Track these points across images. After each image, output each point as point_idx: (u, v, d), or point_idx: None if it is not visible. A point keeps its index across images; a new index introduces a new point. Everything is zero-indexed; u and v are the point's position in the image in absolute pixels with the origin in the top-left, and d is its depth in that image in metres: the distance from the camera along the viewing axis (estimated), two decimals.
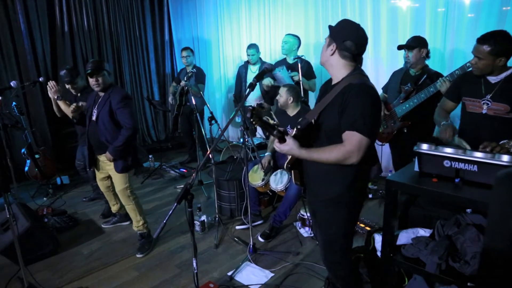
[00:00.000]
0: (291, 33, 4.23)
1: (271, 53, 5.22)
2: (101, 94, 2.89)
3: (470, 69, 2.30)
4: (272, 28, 5.13)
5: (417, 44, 2.89)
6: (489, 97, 2.15)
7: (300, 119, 1.86)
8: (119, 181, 2.98)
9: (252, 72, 4.58)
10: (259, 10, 5.24)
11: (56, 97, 3.23)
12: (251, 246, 2.91)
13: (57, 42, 5.12)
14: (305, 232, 3.25)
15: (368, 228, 3.02)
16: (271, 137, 3.33)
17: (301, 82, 3.88)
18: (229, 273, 2.70)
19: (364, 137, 1.59)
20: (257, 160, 3.44)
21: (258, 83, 2.78)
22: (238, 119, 5.08)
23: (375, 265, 2.29)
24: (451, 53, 3.56)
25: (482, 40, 2.07)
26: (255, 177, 3.30)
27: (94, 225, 3.59)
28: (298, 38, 4.18)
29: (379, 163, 1.86)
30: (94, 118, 2.89)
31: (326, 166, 1.70)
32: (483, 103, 2.18)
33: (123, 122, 2.83)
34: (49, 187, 4.34)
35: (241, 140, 3.27)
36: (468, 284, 1.68)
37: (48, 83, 3.22)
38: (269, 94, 4.35)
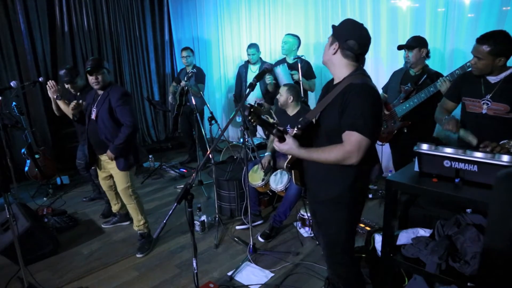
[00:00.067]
0: (290, 33, 4.23)
1: (271, 53, 5.22)
2: (100, 92, 2.88)
3: (470, 69, 2.30)
4: (272, 28, 5.13)
5: (417, 44, 2.89)
6: (489, 97, 2.16)
7: (300, 119, 1.85)
8: (121, 180, 2.98)
9: (252, 71, 4.58)
10: (259, 10, 5.24)
11: (55, 96, 3.24)
12: (251, 246, 2.91)
13: (57, 42, 5.12)
14: (305, 232, 3.25)
15: (368, 228, 3.02)
16: (271, 137, 3.33)
17: (301, 82, 3.88)
18: (229, 273, 2.70)
19: (364, 138, 1.57)
20: (257, 160, 3.44)
21: (258, 83, 2.78)
22: (238, 119, 5.09)
23: (375, 265, 2.29)
24: (451, 53, 3.56)
25: (481, 40, 2.07)
26: (255, 177, 3.30)
27: (94, 225, 3.59)
28: (298, 38, 4.18)
29: (380, 164, 1.84)
30: (93, 116, 2.89)
31: (326, 166, 1.69)
32: (483, 103, 2.18)
33: (123, 119, 2.82)
34: (49, 187, 4.34)
35: (241, 140, 3.27)
36: (468, 284, 1.68)
37: (48, 82, 3.23)
38: (270, 94, 4.35)
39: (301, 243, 3.08)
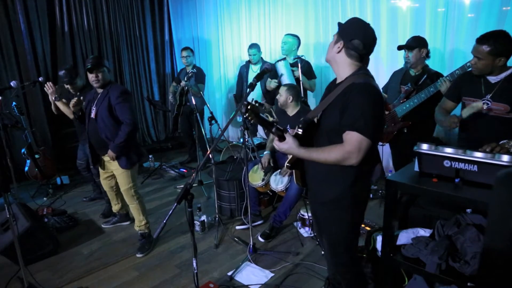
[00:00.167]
0: (290, 33, 4.22)
1: (271, 53, 5.22)
2: (100, 91, 2.88)
3: (470, 69, 2.30)
4: (272, 28, 5.13)
5: (417, 44, 2.89)
6: (489, 97, 2.16)
7: (302, 118, 1.82)
8: (123, 180, 2.97)
9: (254, 71, 4.59)
10: (259, 10, 5.24)
11: (54, 98, 3.22)
12: (251, 246, 2.91)
13: (57, 42, 5.12)
14: (305, 232, 3.25)
15: (368, 228, 3.02)
16: (271, 136, 3.33)
17: (301, 82, 3.88)
18: (229, 273, 2.70)
19: (364, 138, 1.54)
20: (257, 160, 3.44)
21: (258, 83, 2.78)
22: (238, 119, 5.09)
23: (375, 265, 2.29)
24: (451, 53, 3.56)
25: (481, 40, 2.07)
26: (255, 177, 3.30)
27: (94, 225, 3.59)
28: (298, 38, 4.18)
29: (381, 165, 1.82)
30: (93, 115, 2.88)
31: (327, 166, 1.67)
32: (483, 103, 2.18)
33: (123, 117, 2.81)
34: (49, 187, 4.34)
35: (241, 140, 3.27)
36: (468, 284, 1.68)
37: (45, 85, 3.21)
38: (270, 94, 4.35)
39: (301, 243, 3.08)
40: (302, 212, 3.28)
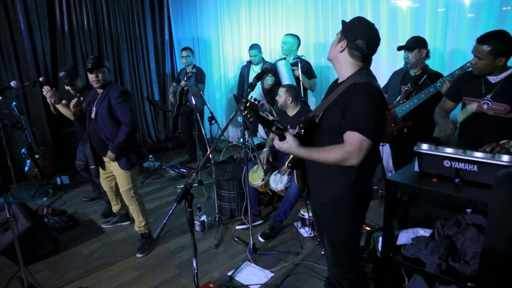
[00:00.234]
0: (290, 33, 4.22)
1: (271, 53, 5.22)
2: (100, 91, 2.88)
3: (470, 69, 2.30)
4: (272, 28, 5.13)
5: (416, 44, 2.88)
6: (489, 97, 2.16)
7: (303, 118, 1.81)
8: (123, 181, 2.97)
9: (255, 72, 4.58)
10: (259, 10, 5.24)
11: (53, 101, 3.21)
12: (251, 246, 2.91)
13: (57, 42, 5.12)
14: (305, 232, 3.25)
15: (368, 228, 3.01)
16: (271, 135, 3.33)
17: (301, 81, 3.88)
18: (229, 273, 2.70)
19: (365, 138, 1.53)
20: (257, 160, 3.44)
21: (259, 83, 2.77)
22: (239, 119, 5.09)
23: (375, 265, 2.29)
24: (451, 53, 3.56)
25: (482, 40, 2.07)
26: (255, 177, 3.30)
27: (94, 225, 3.59)
28: (298, 38, 4.18)
29: (382, 166, 1.80)
30: (93, 115, 2.87)
31: (327, 166, 1.66)
32: (483, 103, 2.18)
33: (122, 117, 2.80)
34: (49, 187, 4.34)
35: (241, 140, 3.27)
36: (468, 284, 1.68)
37: (43, 89, 3.19)
38: (271, 95, 4.35)
39: (301, 243, 3.07)
40: (302, 212, 3.28)
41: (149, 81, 6.34)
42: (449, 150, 1.74)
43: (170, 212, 1.55)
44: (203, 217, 3.35)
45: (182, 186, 4.08)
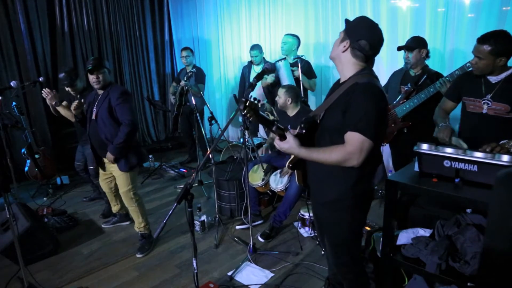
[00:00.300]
0: (290, 33, 4.22)
1: (271, 53, 5.21)
2: (100, 92, 2.88)
3: (470, 69, 2.30)
4: (272, 28, 5.13)
5: (416, 45, 2.88)
6: (489, 97, 2.16)
7: (305, 118, 1.80)
8: (122, 182, 2.96)
9: (256, 72, 4.58)
10: (259, 10, 5.24)
11: (53, 103, 3.20)
12: (251, 246, 2.91)
13: (57, 42, 5.12)
14: (305, 232, 3.25)
15: (368, 228, 3.01)
16: (271, 134, 3.33)
17: (301, 81, 3.88)
18: (229, 273, 2.70)
19: (366, 139, 1.52)
20: (257, 160, 3.44)
21: (258, 83, 2.78)
22: (239, 119, 5.09)
23: (375, 265, 2.29)
24: (451, 53, 3.56)
25: (482, 40, 2.06)
26: (255, 177, 3.30)
27: (94, 225, 3.59)
28: (298, 37, 4.18)
29: (384, 166, 1.79)
30: (93, 116, 2.87)
31: (328, 167, 1.65)
32: (484, 103, 2.18)
33: (122, 118, 2.79)
34: (49, 187, 4.34)
35: (241, 140, 3.27)
36: (468, 284, 1.68)
37: (42, 91, 3.19)
38: (272, 95, 4.35)
39: (300, 244, 3.07)
40: (302, 212, 3.28)
41: (149, 81, 6.34)
42: (449, 150, 1.75)
43: (170, 212, 1.56)
44: (203, 217, 3.35)
45: (182, 186, 4.08)
